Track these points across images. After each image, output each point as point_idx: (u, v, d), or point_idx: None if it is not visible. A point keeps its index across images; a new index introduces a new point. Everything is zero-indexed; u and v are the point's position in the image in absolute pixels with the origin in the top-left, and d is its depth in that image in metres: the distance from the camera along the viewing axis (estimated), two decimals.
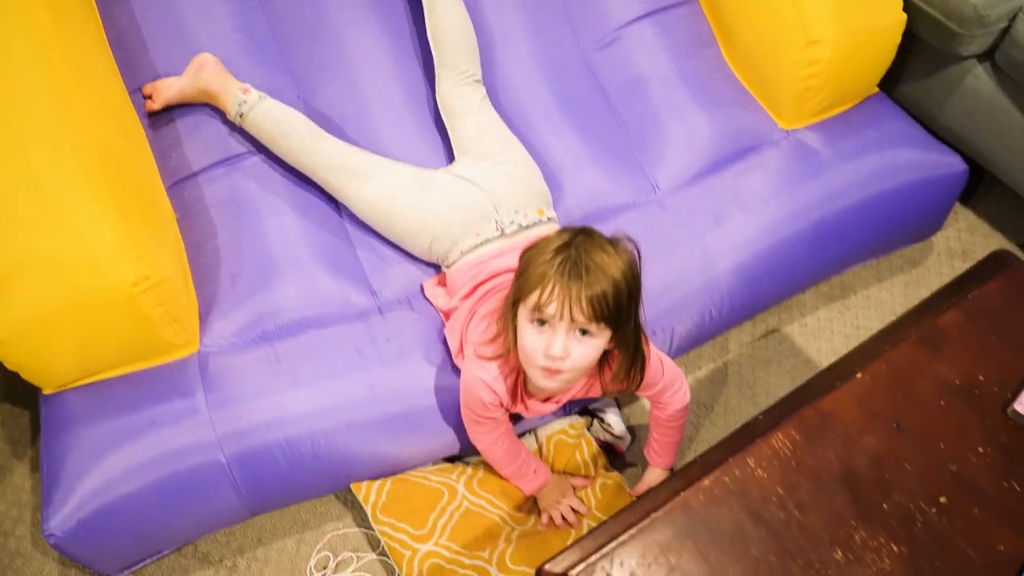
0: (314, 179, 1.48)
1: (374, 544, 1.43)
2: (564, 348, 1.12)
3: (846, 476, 1.00)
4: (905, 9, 1.58)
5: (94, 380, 1.34)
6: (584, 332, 1.13)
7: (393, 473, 1.42)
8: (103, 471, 1.26)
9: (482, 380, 1.24)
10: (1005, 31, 1.57)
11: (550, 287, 1.10)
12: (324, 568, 1.42)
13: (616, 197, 1.57)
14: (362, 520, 1.45)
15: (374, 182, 1.44)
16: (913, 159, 1.65)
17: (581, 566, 0.94)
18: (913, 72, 1.78)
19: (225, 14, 1.61)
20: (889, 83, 1.77)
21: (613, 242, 1.15)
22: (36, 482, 1.50)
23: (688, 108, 1.64)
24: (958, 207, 1.88)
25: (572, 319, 1.11)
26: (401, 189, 1.43)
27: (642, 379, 1.25)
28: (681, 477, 1.01)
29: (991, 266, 1.19)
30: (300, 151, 1.46)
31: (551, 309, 1.10)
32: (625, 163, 1.61)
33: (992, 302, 1.15)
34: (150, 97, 1.54)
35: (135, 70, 1.57)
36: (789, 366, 1.66)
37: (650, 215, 1.56)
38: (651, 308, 1.48)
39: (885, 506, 0.98)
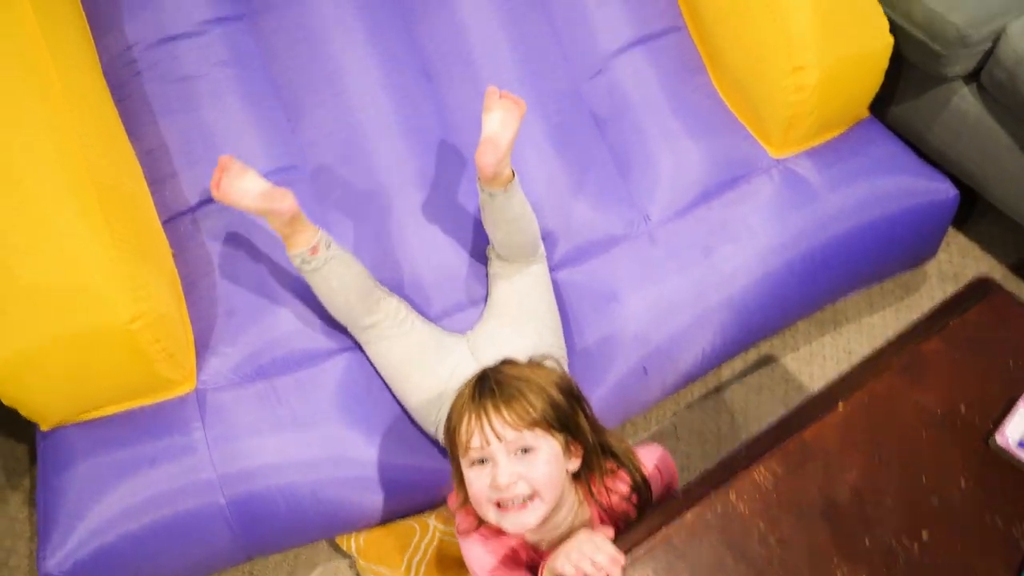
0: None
1: None
2: (510, 474, 1.00)
3: (827, 510, 0.99)
4: (891, 31, 1.58)
5: (91, 417, 1.33)
6: (526, 451, 1.02)
7: (392, 520, 1.42)
8: (102, 511, 1.26)
9: (476, 558, 1.12)
10: (989, 52, 1.58)
11: (466, 419, 1.02)
12: None
13: (606, 229, 1.56)
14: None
15: (400, 344, 1.37)
16: (903, 186, 1.64)
17: None
18: (902, 94, 1.78)
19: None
20: (879, 105, 1.76)
21: (533, 361, 1.10)
22: (31, 512, 1.50)
23: (678, 137, 1.63)
24: (950, 230, 1.88)
25: (500, 438, 1.00)
26: (423, 354, 1.36)
27: (650, 492, 1.13)
28: (662, 512, 1.00)
29: (973, 292, 1.18)
30: (345, 316, 1.39)
31: (475, 441, 1.01)
32: (615, 194, 1.59)
33: (973, 329, 1.14)
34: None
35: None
36: (781, 392, 1.65)
37: (640, 248, 1.55)
38: (642, 347, 1.47)
39: (867, 541, 0.97)
